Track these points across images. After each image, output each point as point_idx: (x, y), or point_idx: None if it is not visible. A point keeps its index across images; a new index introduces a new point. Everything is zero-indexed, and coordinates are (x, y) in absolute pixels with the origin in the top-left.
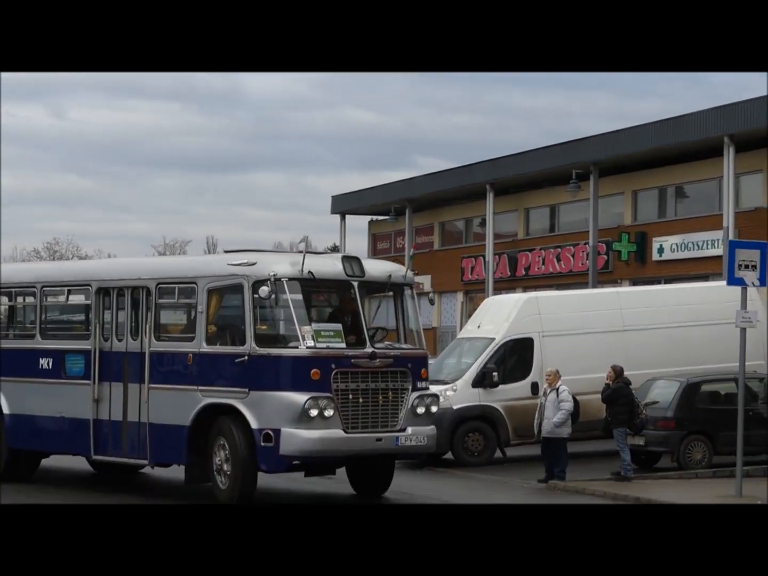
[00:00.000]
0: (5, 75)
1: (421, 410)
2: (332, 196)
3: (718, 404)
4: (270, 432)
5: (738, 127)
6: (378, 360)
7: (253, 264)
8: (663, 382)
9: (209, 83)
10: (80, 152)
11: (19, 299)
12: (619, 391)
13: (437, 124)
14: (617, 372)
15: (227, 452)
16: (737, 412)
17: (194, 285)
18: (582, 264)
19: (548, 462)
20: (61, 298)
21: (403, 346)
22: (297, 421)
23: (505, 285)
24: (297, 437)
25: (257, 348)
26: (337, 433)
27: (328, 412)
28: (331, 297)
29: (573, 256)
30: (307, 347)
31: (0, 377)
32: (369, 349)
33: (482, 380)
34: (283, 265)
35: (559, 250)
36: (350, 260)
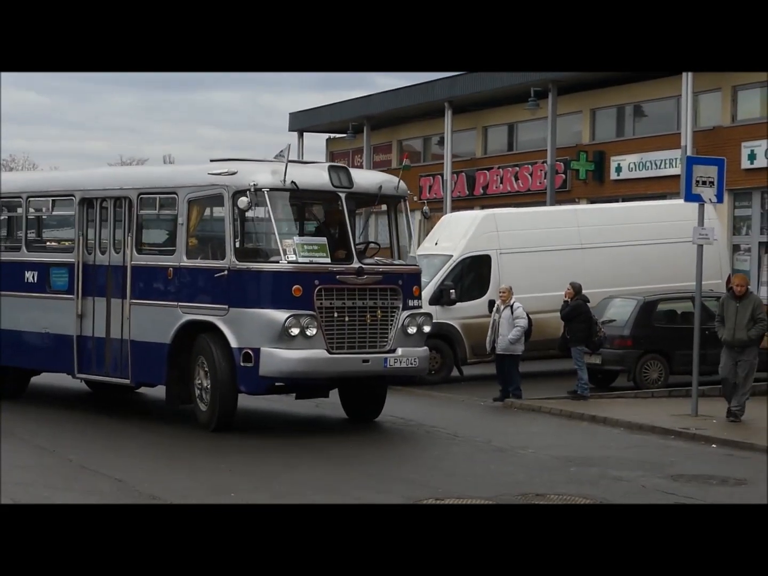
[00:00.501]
0: None
1: (412, 330)
2: (290, 114)
3: (675, 323)
4: (249, 351)
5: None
6: (365, 276)
7: (234, 173)
8: (620, 300)
9: None
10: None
11: (5, 210)
12: (577, 309)
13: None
14: (576, 289)
15: (207, 372)
16: (693, 331)
17: (175, 195)
18: (540, 183)
19: (503, 380)
20: (46, 210)
21: (394, 261)
22: (277, 340)
23: (463, 204)
24: (277, 357)
25: (237, 262)
26: (321, 353)
27: (311, 331)
28: (317, 209)
29: (531, 174)
30: (289, 262)
31: None
32: (356, 265)
33: (439, 298)
34: (264, 175)
35: (517, 168)
36: (337, 170)
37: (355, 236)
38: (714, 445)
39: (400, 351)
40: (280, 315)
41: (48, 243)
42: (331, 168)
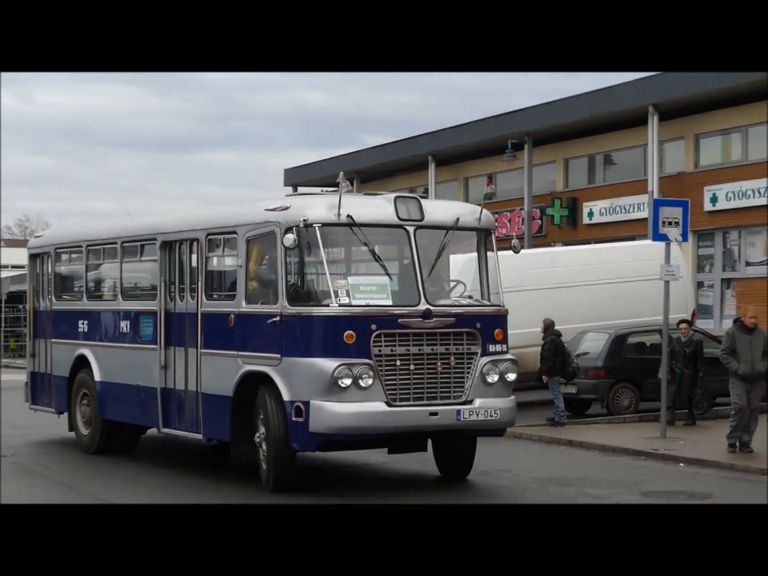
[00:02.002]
0: None
1: (492, 378)
2: (284, 170)
3: (644, 354)
4: (300, 405)
5: (661, 97)
6: (435, 319)
7: (287, 208)
8: (593, 334)
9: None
10: (47, 135)
11: (97, 257)
12: (551, 346)
13: (382, 104)
14: (547, 325)
15: (265, 428)
16: (662, 359)
17: (235, 235)
18: (518, 228)
19: None
20: (135, 254)
21: (472, 302)
22: (327, 393)
23: None
24: (326, 411)
25: (288, 307)
26: (378, 406)
27: (366, 382)
28: (381, 245)
29: (509, 221)
30: (340, 305)
31: (89, 342)
32: (423, 307)
33: None
34: (316, 209)
35: (497, 215)
36: (406, 201)
37: (424, 275)
38: (681, 464)
39: (477, 402)
40: (329, 364)
41: (137, 290)
42: (398, 199)
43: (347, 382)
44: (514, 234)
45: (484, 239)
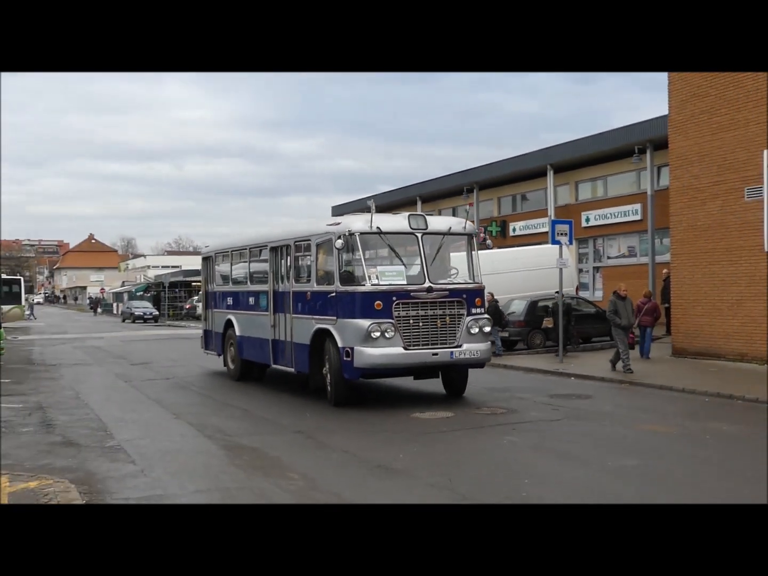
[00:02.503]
0: None
1: (474, 330)
2: (332, 206)
3: (547, 312)
4: (348, 349)
5: (555, 159)
6: (434, 293)
7: (338, 224)
8: (517, 300)
9: (255, 145)
10: (191, 189)
11: (237, 258)
12: (492, 307)
13: (388, 167)
14: (491, 294)
15: (329, 364)
16: (559, 316)
17: (309, 241)
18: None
19: None
20: (257, 255)
21: (460, 281)
22: (364, 341)
23: None
24: (364, 353)
25: (340, 287)
26: (398, 350)
27: (389, 334)
28: (400, 246)
29: None
30: (372, 285)
31: (233, 311)
32: (426, 285)
33: None
34: (357, 224)
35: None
36: (416, 217)
37: (428, 264)
38: (573, 378)
39: (465, 346)
40: (365, 323)
41: (258, 278)
42: (410, 216)
43: (377, 334)
44: (487, 237)
45: (470, 240)
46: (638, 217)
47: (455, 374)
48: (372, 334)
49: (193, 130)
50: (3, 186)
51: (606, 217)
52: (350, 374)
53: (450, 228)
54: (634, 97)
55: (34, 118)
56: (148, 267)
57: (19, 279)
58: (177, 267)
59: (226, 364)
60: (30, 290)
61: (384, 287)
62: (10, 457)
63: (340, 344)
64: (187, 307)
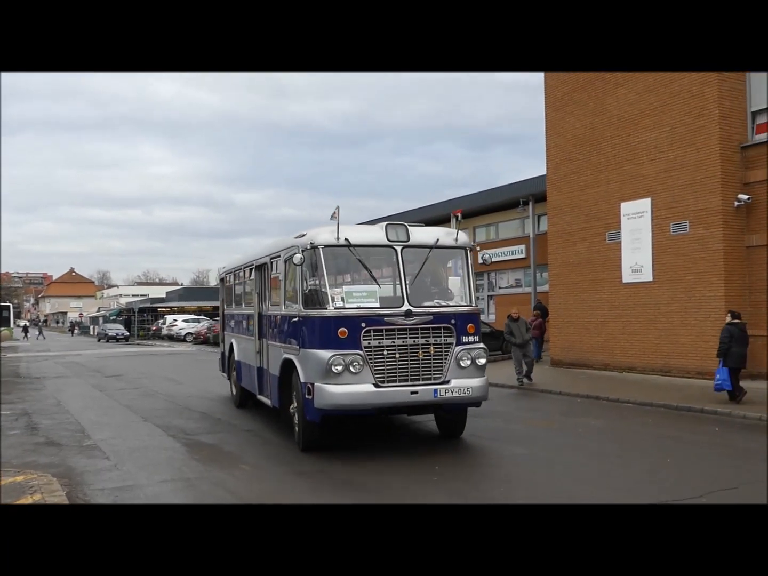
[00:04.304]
0: None
1: (465, 363)
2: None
3: None
4: (309, 386)
5: (460, 207)
6: (415, 317)
7: (303, 236)
8: None
9: (213, 196)
10: (158, 231)
11: (234, 279)
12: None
13: (324, 215)
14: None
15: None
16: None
17: (279, 258)
18: None
19: None
20: (249, 275)
21: (449, 303)
22: (325, 376)
23: None
24: (324, 391)
25: (303, 309)
26: (366, 387)
27: (355, 368)
28: (376, 261)
29: None
30: (335, 308)
31: (234, 334)
32: (405, 308)
33: None
34: (322, 235)
35: None
36: (395, 227)
37: (408, 283)
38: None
39: (453, 382)
40: (325, 354)
41: (250, 299)
42: (388, 225)
43: (339, 368)
44: (485, 251)
45: (462, 255)
46: (523, 256)
47: (447, 414)
48: (333, 369)
49: (161, 183)
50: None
51: (498, 255)
52: (311, 415)
53: (437, 240)
54: (519, 161)
55: (30, 171)
56: (121, 295)
57: (9, 305)
58: (145, 295)
59: (231, 389)
60: (18, 315)
61: (350, 311)
62: None
63: (301, 379)
64: (154, 329)
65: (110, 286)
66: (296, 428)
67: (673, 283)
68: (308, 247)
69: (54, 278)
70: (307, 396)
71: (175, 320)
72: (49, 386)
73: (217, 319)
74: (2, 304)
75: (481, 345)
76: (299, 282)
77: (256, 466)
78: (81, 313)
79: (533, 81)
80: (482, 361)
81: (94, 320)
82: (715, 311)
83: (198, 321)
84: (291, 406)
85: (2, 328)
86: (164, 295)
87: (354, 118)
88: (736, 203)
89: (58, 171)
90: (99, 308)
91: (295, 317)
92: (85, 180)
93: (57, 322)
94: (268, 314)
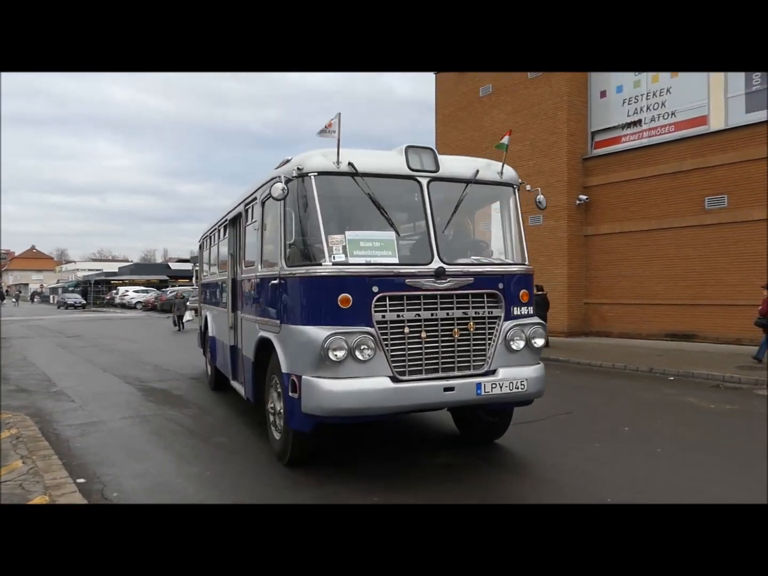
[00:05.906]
0: None
1: (518, 345)
2: None
3: None
4: (294, 378)
5: None
6: (450, 280)
7: (288, 161)
8: None
9: (161, 186)
10: (112, 216)
11: (206, 243)
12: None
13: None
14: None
15: (279, 395)
16: None
17: (255, 201)
18: None
19: None
20: (223, 234)
21: (493, 260)
22: (318, 367)
23: None
24: (317, 390)
25: (285, 267)
26: (381, 382)
27: (365, 354)
28: (390, 199)
29: None
30: (334, 263)
31: (207, 305)
32: (435, 265)
33: None
34: (314, 159)
35: None
36: (418, 151)
37: (438, 231)
38: None
39: (501, 373)
40: (319, 333)
41: (224, 262)
42: (409, 149)
43: (341, 354)
44: (539, 189)
45: (510, 195)
46: None
47: (487, 416)
48: (332, 355)
49: (115, 174)
50: None
51: None
52: (298, 423)
53: (477, 173)
54: None
55: None
56: (78, 270)
57: None
58: (99, 270)
59: (206, 368)
60: None
61: (355, 269)
62: None
63: (283, 368)
64: (108, 297)
65: (68, 262)
66: (274, 432)
67: (531, 262)
68: (294, 175)
69: (16, 254)
70: (291, 394)
71: (127, 291)
72: (15, 345)
73: (163, 290)
74: None
75: (537, 319)
76: (281, 228)
77: (202, 407)
78: (42, 285)
79: (428, 99)
80: (539, 341)
81: (53, 290)
82: (560, 285)
83: (147, 292)
84: (269, 404)
85: None
86: (117, 270)
87: (282, 125)
88: (578, 202)
89: (20, 161)
90: (58, 281)
91: (275, 279)
92: (47, 170)
93: (20, 292)
94: (241, 279)
